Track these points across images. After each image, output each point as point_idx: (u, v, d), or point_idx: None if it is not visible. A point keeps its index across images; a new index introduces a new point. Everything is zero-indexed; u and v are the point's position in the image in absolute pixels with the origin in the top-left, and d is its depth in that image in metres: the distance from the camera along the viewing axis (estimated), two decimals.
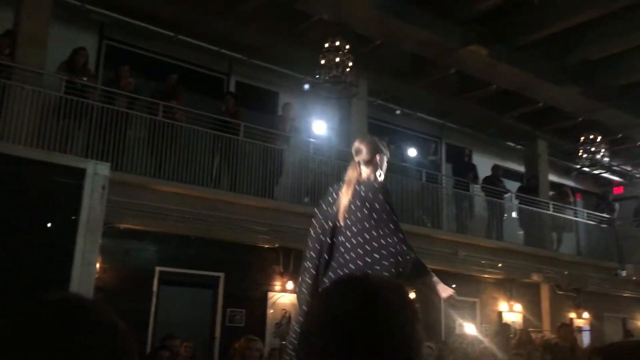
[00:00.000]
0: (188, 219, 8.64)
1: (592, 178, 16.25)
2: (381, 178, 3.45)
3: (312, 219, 3.53)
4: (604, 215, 14.35)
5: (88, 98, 8.15)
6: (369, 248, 3.18)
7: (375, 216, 3.24)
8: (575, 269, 13.13)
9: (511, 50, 10.77)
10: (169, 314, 8.76)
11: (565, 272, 12.87)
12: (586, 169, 14.16)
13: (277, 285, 9.91)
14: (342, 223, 3.32)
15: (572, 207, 14.35)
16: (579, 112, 12.81)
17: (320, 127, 11.04)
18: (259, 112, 10.92)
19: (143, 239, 8.82)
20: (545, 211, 13.04)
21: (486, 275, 12.23)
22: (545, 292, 12.94)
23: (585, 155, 12.63)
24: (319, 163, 10.18)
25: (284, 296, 9.90)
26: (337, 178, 10.12)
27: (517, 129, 13.73)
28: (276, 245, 9.73)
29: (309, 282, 3.34)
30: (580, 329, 13.00)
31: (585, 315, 13.49)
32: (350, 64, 8.31)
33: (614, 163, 14.89)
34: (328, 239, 3.37)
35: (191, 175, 8.78)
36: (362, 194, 3.33)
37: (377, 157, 3.44)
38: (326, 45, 8.39)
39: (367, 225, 3.22)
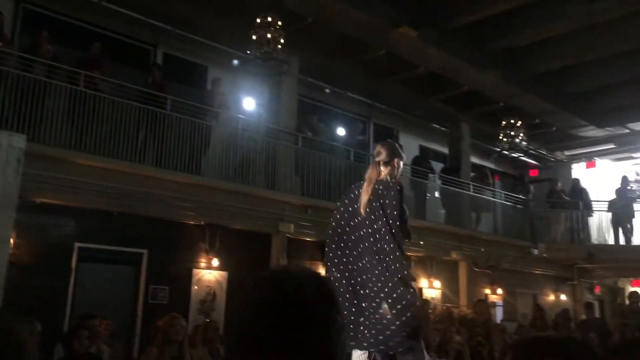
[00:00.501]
0: (110, 194, 8.37)
1: (510, 161, 17.00)
2: (398, 177, 4.00)
3: (335, 210, 4.14)
4: (520, 196, 15.05)
5: (3, 65, 7.67)
6: (379, 245, 3.77)
7: (387, 211, 3.77)
8: (492, 247, 13.75)
9: (440, 34, 10.99)
10: (89, 292, 8.48)
11: (482, 250, 13.47)
12: (505, 152, 14.81)
13: (203, 262, 9.81)
14: (362, 216, 3.88)
15: (491, 188, 14.97)
16: (500, 97, 13.30)
17: (249, 103, 10.91)
18: (187, 85, 10.65)
19: (62, 214, 8.47)
20: (466, 192, 13.53)
21: (409, 253, 12.59)
22: (463, 269, 13.48)
23: (505, 139, 13.19)
24: (247, 140, 10.09)
25: (209, 273, 9.83)
26: (267, 155, 10.17)
27: (442, 111, 14.10)
28: (202, 222, 9.62)
29: (330, 265, 3.95)
30: (494, 304, 13.68)
31: (499, 291, 14.19)
32: (282, 41, 8.23)
33: (530, 147, 15.63)
34: (347, 229, 3.95)
35: (114, 149, 8.48)
36: (379, 191, 3.86)
37: (395, 160, 3.98)
38: (258, 20, 8.26)
39: (380, 224, 3.79)
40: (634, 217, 14.53)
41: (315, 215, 10.51)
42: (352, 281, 3.91)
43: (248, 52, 8.33)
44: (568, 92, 13.70)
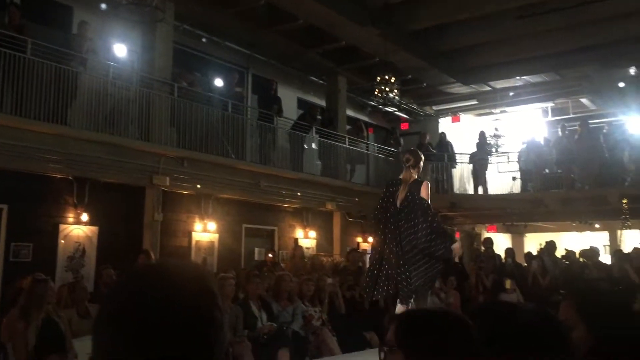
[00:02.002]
0: None
1: (383, 114, 17.65)
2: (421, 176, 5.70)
3: (380, 195, 5.72)
4: (392, 149, 15.74)
5: None
6: (410, 231, 5.28)
7: (417, 201, 5.33)
8: (365, 198, 14.35)
9: None
10: None
11: (357, 200, 14.03)
12: (380, 106, 15.33)
13: (71, 217, 9.34)
14: (398, 208, 5.41)
15: (365, 141, 15.50)
16: (376, 53, 13.63)
17: (121, 50, 10.28)
18: (49, 28, 9.80)
19: None
20: (341, 144, 13.90)
21: (285, 205, 12.83)
22: (337, 220, 13.99)
23: (379, 94, 13.62)
24: (119, 88, 9.58)
25: (78, 228, 9.39)
26: (140, 104, 9.72)
27: (320, 64, 14.22)
28: (70, 175, 9.11)
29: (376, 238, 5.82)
30: (365, 252, 14.39)
31: (370, 239, 14.92)
32: None
33: (402, 101, 16.30)
34: (387, 215, 5.47)
35: None
36: (412, 189, 5.40)
37: (420, 163, 5.63)
38: None
39: (412, 215, 5.32)
40: (486, 169, 15.76)
41: (192, 167, 10.33)
42: (385, 246, 5.50)
43: None
44: (438, 50, 14.35)
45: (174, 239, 10.73)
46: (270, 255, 11.27)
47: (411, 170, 5.51)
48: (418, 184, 5.44)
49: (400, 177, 5.59)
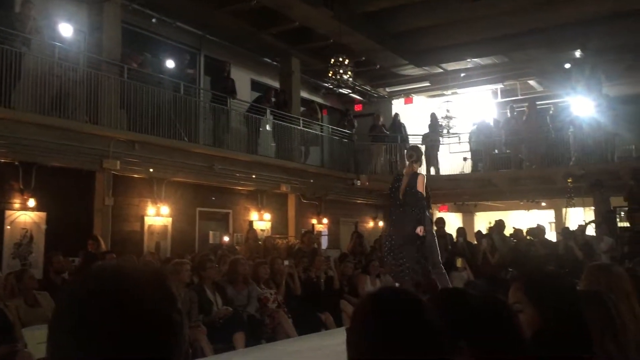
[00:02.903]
0: None
1: (337, 96, 17.68)
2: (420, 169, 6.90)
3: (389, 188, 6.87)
4: (345, 131, 15.82)
5: None
6: (409, 218, 6.45)
7: (413, 191, 6.44)
8: (319, 179, 14.42)
9: None
10: None
11: (311, 181, 14.08)
12: (334, 88, 15.35)
13: (17, 203, 9.06)
14: (400, 200, 6.57)
15: (319, 122, 15.51)
16: (329, 35, 13.61)
17: (67, 30, 9.92)
18: None
19: None
20: (296, 126, 13.88)
21: (240, 188, 12.76)
22: (292, 202, 14.02)
23: (333, 76, 13.63)
24: (65, 70, 9.28)
25: (24, 214, 9.12)
26: (88, 86, 9.44)
27: (274, 46, 14.09)
28: (15, 159, 8.80)
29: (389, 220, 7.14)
30: (320, 234, 14.50)
31: (325, 221, 15.04)
32: None
33: (356, 83, 16.36)
34: (394, 207, 6.72)
35: None
36: (409, 182, 6.50)
37: (421, 158, 6.85)
38: None
39: (408, 207, 6.49)
40: (438, 150, 16.05)
41: (143, 150, 10.15)
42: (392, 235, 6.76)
43: None
44: (391, 32, 14.43)
45: (126, 223, 10.54)
46: (226, 238, 11.22)
47: (413, 165, 6.65)
48: (415, 176, 6.52)
49: (404, 171, 6.78)
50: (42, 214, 9.31)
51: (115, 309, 0.98)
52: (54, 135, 8.88)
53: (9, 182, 9.00)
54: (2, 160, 8.80)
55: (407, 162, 6.77)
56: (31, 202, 9.10)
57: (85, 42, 10.34)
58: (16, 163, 8.85)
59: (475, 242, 12.17)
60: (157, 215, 10.96)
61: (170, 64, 11.51)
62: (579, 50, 14.73)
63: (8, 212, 9.00)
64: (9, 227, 9.01)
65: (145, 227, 10.81)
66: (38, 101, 8.83)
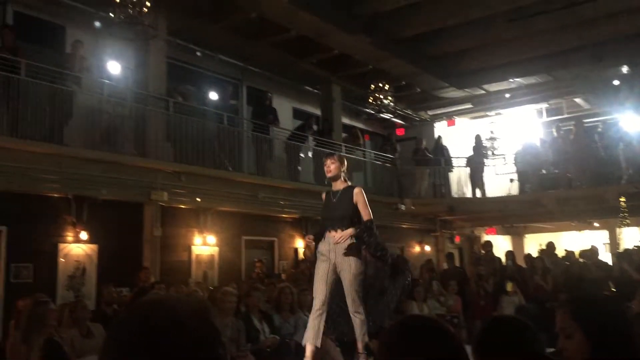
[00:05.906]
0: None
1: (379, 121, 17.70)
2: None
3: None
4: (388, 155, 15.78)
5: None
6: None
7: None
8: None
9: None
10: None
11: None
12: (375, 113, 15.38)
13: (70, 236, 9.34)
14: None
15: (361, 148, 15.53)
16: (368, 61, 13.69)
17: (115, 67, 10.31)
18: (43, 48, 9.84)
19: None
20: (338, 152, 13.90)
21: (284, 215, 12.83)
22: None
23: (374, 101, 13.70)
24: (114, 106, 9.61)
25: (77, 247, 9.39)
26: (135, 121, 9.75)
27: (314, 74, 14.26)
28: (68, 194, 9.11)
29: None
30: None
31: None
32: (148, 3, 7.82)
33: (397, 107, 16.36)
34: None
35: None
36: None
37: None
38: None
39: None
40: (483, 172, 15.81)
41: (190, 181, 10.34)
42: None
43: (111, 14, 7.81)
44: (430, 56, 14.40)
45: (173, 253, 10.72)
46: (258, 263, 11.23)
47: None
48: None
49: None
50: (94, 246, 9.57)
51: (158, 347, 1.00)
52: (103, 169, 9.16)
53: (62, 215, 9.29)
54: (56, 195, 9.11)
55: None
56: (83, 235, 9.37)
57: (132, 78, 10.70)
58: (69, 197, 9.15)
59: (525, 266, 11.87)
60: (204, 245, 11.11)
61: (213, 95, 11.80)
62: (625, 65, 14.37)
63: (62, 245, 9.27)
64: (62, 259, 9.28)
65: (193, 256, 10.96)
66: (88, 136, 9.16)
